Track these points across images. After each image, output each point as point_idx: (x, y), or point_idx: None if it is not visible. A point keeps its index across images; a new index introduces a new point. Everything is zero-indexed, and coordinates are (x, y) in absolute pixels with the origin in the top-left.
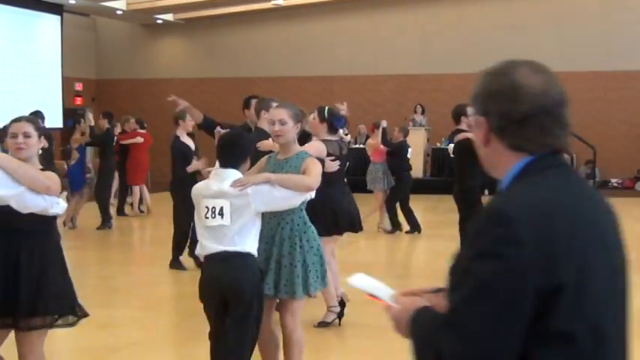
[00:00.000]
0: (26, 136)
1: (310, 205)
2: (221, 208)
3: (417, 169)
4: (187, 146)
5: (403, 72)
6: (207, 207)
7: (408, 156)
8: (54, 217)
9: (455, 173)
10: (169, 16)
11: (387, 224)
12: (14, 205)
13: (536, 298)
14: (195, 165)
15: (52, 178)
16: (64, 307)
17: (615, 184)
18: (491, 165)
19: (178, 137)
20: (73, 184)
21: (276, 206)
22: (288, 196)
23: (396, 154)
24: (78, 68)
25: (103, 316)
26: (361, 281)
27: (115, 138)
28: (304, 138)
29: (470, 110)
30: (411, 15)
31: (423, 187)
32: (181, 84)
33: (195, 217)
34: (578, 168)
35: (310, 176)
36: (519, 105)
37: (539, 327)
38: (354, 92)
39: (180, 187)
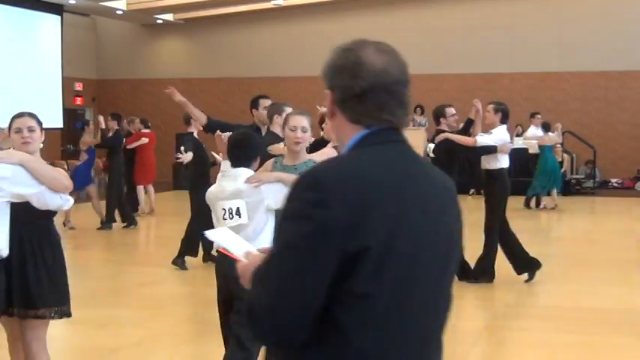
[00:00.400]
0: (30, 130)
1: None
2: (237, 209)
3: None
4: (199, 141)
5: None
6: (224, 209)
7: None
8: (55, 212)
9: None
10: (169, 16)
11: None
12: (35, 203)
13: (340, 260)
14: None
15: (67, 177)
16: (65, 297)
17: (615, 184)
18: (338, 137)
19: (192, 133)
20: (78, 181)
21: None
22: None
23: None
24: (78, 68)
25: (104, 316)
26: (219, 235)
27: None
28: (322, 144)
29: (449, 110)
30: (411, 15)
31: None
32: (181, 84)
33: (214, 220)
34: (579, 168)
35: None
36: (360, 80)
37: (341, 287)
38: None
39: (197, 187)
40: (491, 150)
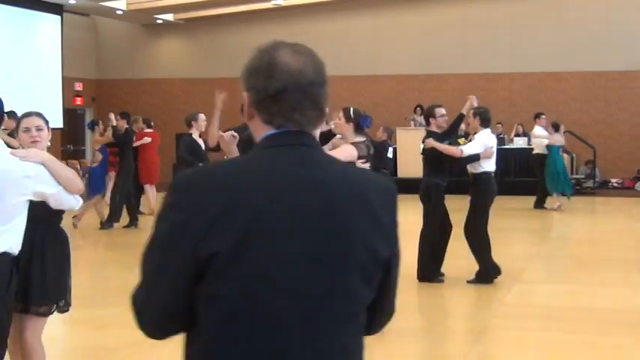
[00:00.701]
0: (39, 129)
1: None
2: None
3: (417, 169)
4: (198, 143)
5: (403, 72)
6: None
7: (389, 155)
8: (64, 211)
9: (423, 171)
10: (169, 16)
11: None
12: (52, 203)
13: (195, 261)
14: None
15: (79, 178)
16: (67, 293)
17: (615, 184)
18: (256, 139)
19: (191, 134)
20: (94, 185)
21: None
22: None
23: (376, 153)
24: (78, 68)
25: (103, 316)
26: None
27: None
28: (329, 137)
29: (438, 111)
30: (411, 15)
31: None
32: (181, 84)
33: None
34: (579, 168)
35: None
36: (274, 81)
37: (201, 287)
38: (354, 92)
39: None
40: (474, 158)
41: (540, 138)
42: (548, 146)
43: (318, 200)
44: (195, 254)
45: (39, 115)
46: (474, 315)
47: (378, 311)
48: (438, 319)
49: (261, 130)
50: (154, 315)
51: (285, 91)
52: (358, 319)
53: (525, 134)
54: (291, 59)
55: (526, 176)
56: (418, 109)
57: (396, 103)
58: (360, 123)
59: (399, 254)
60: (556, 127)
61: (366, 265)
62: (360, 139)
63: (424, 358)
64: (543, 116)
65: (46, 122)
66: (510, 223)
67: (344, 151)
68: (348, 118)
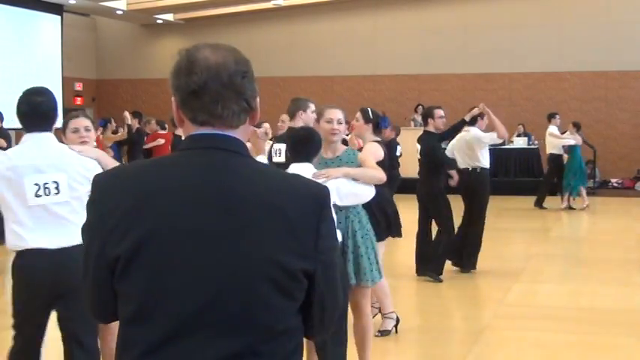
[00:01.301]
0: (87, 129)
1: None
2: None
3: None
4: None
5: (403, 72)
6: None
7: (397, 154)
8: None
9: (420, 173)
10: (169, 16)
11: None
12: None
13: (105, 259)
14: None
15: None
16: None
17: (615, 184)
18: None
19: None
20: None
21: (350, 200)
22: (361, 191)
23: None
24: (78, 68)
25: None
26: None
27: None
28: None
29: (437, 112)
30: (411, 15)
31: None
32: None
33: None
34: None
35: (377, 169)
36: (194, 76)
37: (115, 286)
38: (354, 92)
39: None
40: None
41: (560, 138)
42: (570, 146)
43: (219, 209)
44: (104, 253)
45: (85, 115)
46: (474, 315)
47: (309, 319)
48: (437, 319)
49: (189, 131)
50: (88, 303)
51: (206, 85)
52: (272, 327)
53: (526, 134)
54: (210, 54)
55: (526, 176)
56: (419, 107)
57: (396, 103)
58: (379, 124)
59: (331, 263)
60: (578, 127)
61: (276, 278)
62: (378, 139)
63: (424, 358)
64: (557, 116)
65: (93, 122)
66: (510, 223)
67: (370, 150)
68: (367, 119)
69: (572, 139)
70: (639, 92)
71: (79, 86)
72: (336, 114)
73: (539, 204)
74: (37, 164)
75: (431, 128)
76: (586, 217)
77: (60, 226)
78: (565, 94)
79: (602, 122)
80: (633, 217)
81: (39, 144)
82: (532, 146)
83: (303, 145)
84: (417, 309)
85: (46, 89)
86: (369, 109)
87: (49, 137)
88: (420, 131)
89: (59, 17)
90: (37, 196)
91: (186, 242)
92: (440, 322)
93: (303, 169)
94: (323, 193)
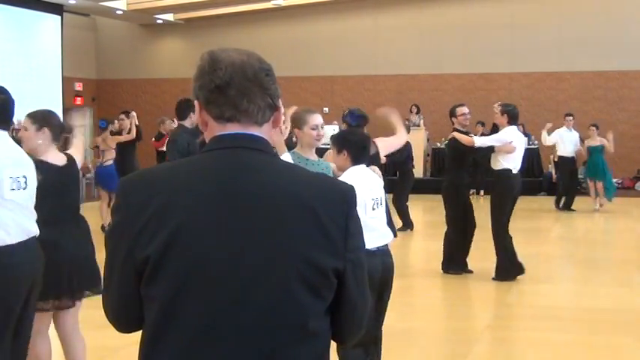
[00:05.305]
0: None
1: None
2: (381, 199)
3: (417, 169)
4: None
5: (403, 72)
6: (372, 199)
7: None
8: None
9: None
10: (169, 16)
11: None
12: None
13: (133, 263)
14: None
15: None
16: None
17: (615, 184)
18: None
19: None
20: (111, 182)
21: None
22: None
23: (401, 151)
24: (78, 68)
25: (103, 315)
26: None
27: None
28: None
29: (459, 110)
30: (411, 15)
31: (423, 186)
32: (181, 84)
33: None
34: (579, 168)
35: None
36: (218, 71)
37: (142, 288)
38: (354, 92)
39: None
40: (488, 150)
41: (577, 140)
42: (589, 147)
43: (248, 207)
44: (132, 257)
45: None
46: (474, 315)
47: (340, 321)
48: (438, 319)
49: (213, 131)
50: (110, 312)
51: (232, 80)
52: (303, 327)
53: (526, 134)
54: (233, 53)
55: (526, 176)
56: (414, 107)
57: (396, 103)
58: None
59: (360, 262)
60: (597, 127)
61: (307, 276)
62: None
63: (424, 358)
64: (570, 117)
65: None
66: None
67: (386, 142)
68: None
69: (597, 140)
70: (639, 92)
71: (79, 86)
72: (319, 119)
73: (566, 207)
74: (14, 157)
75: (457, 126)
76: (586, 217)
77: (27, 218)
78: (565, 94)
79: (602, 122)
80: (633, 217)
81: (5, 141)
82: (532, 146)
83: (366, 149)
84: (417, 309)
85: (3, 87)
86: (349, 110)
87: (7, 135)
88: (415, 132)
89: (59, 17)
90: (11, 190)
91: (216, 241)
92: (440, 322)
93: (360, 172)
94: (350, 191)
